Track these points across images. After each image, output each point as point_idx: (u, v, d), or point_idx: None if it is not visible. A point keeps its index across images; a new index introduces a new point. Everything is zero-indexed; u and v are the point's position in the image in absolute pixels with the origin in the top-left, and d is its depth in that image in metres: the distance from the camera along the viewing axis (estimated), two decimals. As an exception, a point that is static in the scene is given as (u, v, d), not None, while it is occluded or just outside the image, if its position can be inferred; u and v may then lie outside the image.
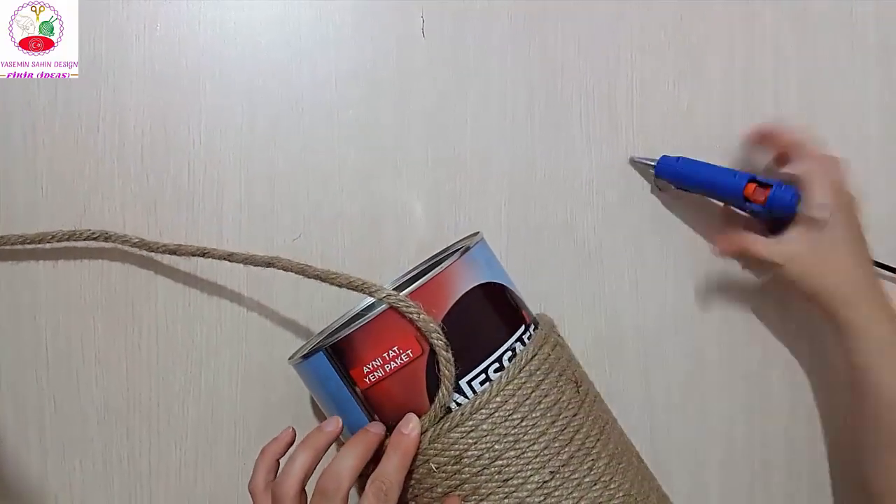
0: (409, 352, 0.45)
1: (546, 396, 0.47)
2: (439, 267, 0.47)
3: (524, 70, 0.60)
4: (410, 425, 0.46)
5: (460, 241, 0.55)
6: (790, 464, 0.62)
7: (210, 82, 0.58)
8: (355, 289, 0.48)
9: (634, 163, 0.61)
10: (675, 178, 0.59)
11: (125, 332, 0.57)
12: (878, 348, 0.53)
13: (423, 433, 0.46)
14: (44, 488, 0.57)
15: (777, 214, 0.55)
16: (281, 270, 0.52)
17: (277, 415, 0.57)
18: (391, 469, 0.45)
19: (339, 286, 0.49)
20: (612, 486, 0.47)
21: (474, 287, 0.47)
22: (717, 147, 0.61)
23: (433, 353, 0.45)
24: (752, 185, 0.56)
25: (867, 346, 0.53)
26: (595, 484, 0.47)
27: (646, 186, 0.61)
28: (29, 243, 0.55)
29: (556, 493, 0.46)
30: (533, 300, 0.53)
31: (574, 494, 0.46)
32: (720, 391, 0.61)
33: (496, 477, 0.46)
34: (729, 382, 0.62)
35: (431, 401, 0.46)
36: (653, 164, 0.60)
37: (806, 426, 0.62)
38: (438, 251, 0.56)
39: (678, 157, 0.59)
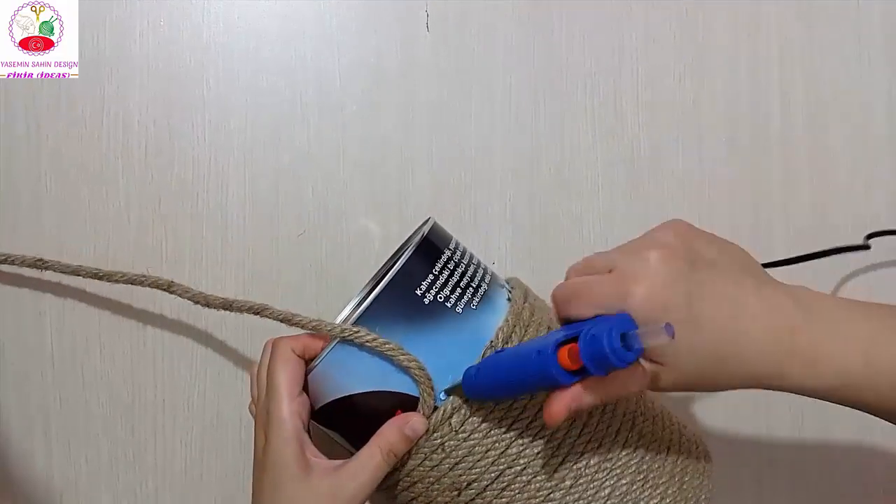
0: None
1: None
2: None
3: (529, 65, 0.60)
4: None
5: (416, 230, 0.51)
6: (796, 458, 0.62)
7: (214, 78, 0.58)
8: (313, 329, 0.45)
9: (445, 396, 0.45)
10: (480, 393, 0.42)
11: (130, 329, 0.57)
12: (837, 384, 0.39)
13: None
14: (49, 485, 0.57)
15: (618, 364, 0.35)
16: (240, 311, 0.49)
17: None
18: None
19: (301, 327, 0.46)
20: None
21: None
22: (723, 141, 0.60)
23: None
24: (565, 350, 0.36)
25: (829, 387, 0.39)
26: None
27: (652, 180, 0.61)
28: (99, 278, 0.54)
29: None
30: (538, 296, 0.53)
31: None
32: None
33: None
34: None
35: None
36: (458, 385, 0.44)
37: (812, 423, 0.62)
38: (396, 250, 0.54)
39: (475, 367, 0.43)
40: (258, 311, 0.48)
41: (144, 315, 0.57)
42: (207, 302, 0.50)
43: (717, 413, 0.61)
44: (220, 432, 0.58)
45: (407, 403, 0.43)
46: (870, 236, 0.58)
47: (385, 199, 0.59)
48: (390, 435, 0.42)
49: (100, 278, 0.54)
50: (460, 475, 0.44)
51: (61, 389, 0.57)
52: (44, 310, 0.57)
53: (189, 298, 0.51)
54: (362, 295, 0.50)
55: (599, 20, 0.61)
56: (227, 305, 0.49)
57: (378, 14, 0.59)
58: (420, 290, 0.44)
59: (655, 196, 0.61)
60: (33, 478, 0.57)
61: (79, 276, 0.54)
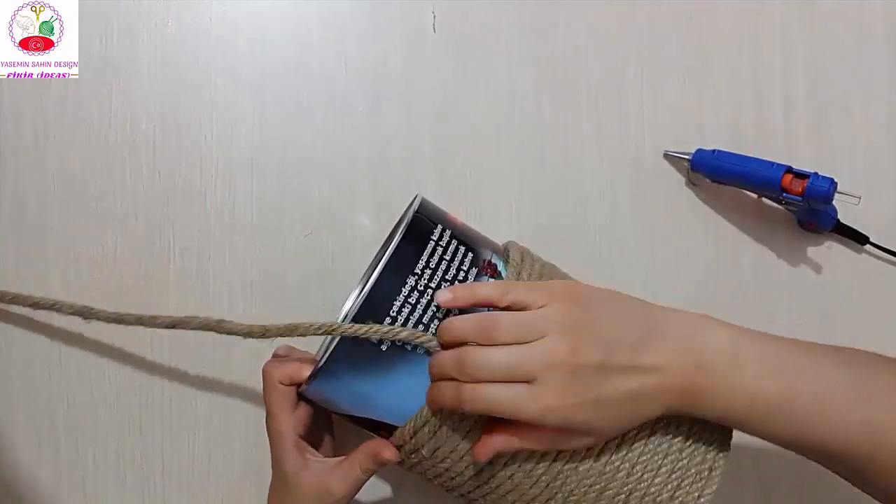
0: None
1: None
2: None
3: (534, 66, 0.60)
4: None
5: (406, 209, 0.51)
6: (797, 459, 0.62)
7: (221, 78, 0.58)
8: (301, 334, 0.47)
9: (668, 157, 0.61)
10: (711, 171, 0.59)
11: (137, 328, 0.56)
12: (765, 410, 0.44)
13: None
14: (57, 484, 0.57)
15: (814, 206, 0.55)
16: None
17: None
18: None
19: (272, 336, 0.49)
20: None
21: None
22: (726, 143, 0.61)
23: None
24: (790, 176, 0.56)
25: (755, 414, 0.44)
26: None
27: (655, 183, 0.61)
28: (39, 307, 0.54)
29: None
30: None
31: None
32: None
33: None
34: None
35: None
36: (687, 157, 0.60)
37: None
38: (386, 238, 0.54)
39: (713, 150, 0.59)
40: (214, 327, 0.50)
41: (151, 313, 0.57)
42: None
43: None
44: (227, 432, 0.58)
45: (387, 427, 0.47)
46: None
47: (391, 200, 0.59)
48: (364, 457, 0.47)
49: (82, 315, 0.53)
50: (442, 484, 0.48)
51: (68, 390, 0.57)
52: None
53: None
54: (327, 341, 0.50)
55: (603, 21, 0.61)
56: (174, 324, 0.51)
57: (384, 15, 0.59)
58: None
59: (659, 197, 0.61)
60: (41, 477, 0.57)
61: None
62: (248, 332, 0.49)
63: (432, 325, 0.45)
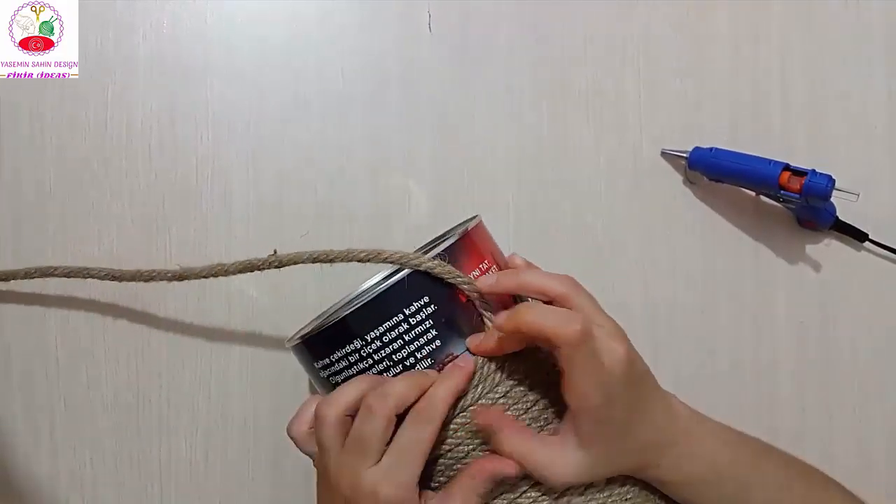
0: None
1: None
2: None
3: (531, 64, 0.60)
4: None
5: (461, 223, 0.52)
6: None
7: (217, 79, 0.58)
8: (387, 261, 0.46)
9: (666, 155, 0.61)
10: (708, 169, 0.59)
11: (134, 329, 0.57)
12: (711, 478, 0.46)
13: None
14: (55, 486, 0.57)
15: (813, 203, 0.56)
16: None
17: (287, 411, 0.57)
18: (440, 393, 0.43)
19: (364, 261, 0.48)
20: None
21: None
22: (724, 141, 0.61)
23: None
24: (787, 173, 0.56)
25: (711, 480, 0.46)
26: None
27: (653, 180, 0.61)
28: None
29: None
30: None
31: None
32: (729, 387, 0.61)
33: None
34: (737, 378, 0.62)
35: None
36: (685, 155, 0.60)
37: (814, 422, 0.62)
38: (438, 235, 0.54)
39: (711, 148, 0.59)
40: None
41: (148, 315, 0.57)
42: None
43: (720, 410, 0.61)
44: (224, 433, 0.58)
45: None
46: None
47: (388, 199, 0.59)
48: (475, 481, 0.43)
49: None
50: None
51: (66, 391, 0.57)
52: (48, 310, 0.57)
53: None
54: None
55: (601, 20, 0.61)
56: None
57: (380, 14, 0.59)
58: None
59: (658, 196, 0.61)
60: (39, 479, 0.57)
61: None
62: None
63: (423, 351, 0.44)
